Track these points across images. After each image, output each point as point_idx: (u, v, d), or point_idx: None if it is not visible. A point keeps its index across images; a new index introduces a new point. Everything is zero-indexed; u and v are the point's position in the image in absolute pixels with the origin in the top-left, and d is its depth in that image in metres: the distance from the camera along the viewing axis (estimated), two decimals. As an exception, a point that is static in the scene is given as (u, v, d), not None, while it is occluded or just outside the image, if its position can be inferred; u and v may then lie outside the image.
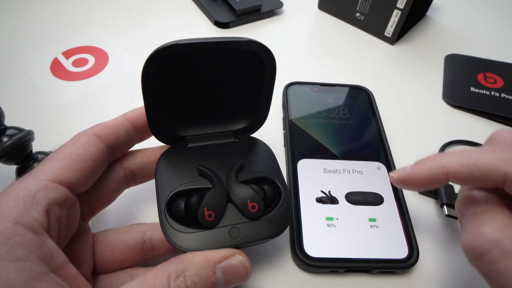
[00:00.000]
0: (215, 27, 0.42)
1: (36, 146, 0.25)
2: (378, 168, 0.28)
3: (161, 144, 0.24)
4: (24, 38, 0.39)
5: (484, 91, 0.37)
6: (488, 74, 0.39)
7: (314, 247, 0.23)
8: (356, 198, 0.26)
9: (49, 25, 0.40)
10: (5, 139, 0.23)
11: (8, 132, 0.23)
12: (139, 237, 0.21)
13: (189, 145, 0.23)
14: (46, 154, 0.25)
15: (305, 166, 0.28)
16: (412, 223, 0.25)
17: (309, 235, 0.24)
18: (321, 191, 0.26)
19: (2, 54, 0.37)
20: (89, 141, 0.20)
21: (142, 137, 0.23)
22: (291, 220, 0.21)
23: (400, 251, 0.23)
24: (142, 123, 0.22)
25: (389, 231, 0.24)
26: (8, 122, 0.24)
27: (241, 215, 0.20)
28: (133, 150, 0.24)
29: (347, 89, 0.35)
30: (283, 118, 0.32)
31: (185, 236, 0.19)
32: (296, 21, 0.45)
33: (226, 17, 0.42)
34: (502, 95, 0.37)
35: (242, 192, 0.20)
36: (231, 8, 0.42)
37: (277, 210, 0.21)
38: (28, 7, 0.42)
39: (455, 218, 0.26)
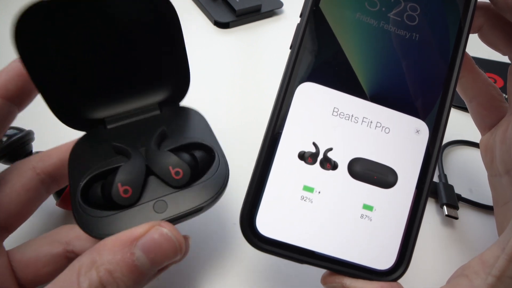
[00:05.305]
0: (215, 27, 0.42)
1: (36, 146, 0.25)
2: (417, 131, 0.18)
3: (80, 134, 0.21)
4: (24, 38, 0.39)
5: (484, 91, 0.37)
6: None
7: (270, 223, 0.17)
8: (363, 171, 0.18)
9: (49, 25, 0.40)
10: (4, 139, 0.23)
11: (8, 132, 0.23)
12: (60, 245, 0.19)
13: (108, 127, 0.20)
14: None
15: (307, 95, 0.18)
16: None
17: (268, 205, 0.17)
18: (313, 144, 0.18)
19: (2, 54, 0.37)
20: None
21: (21, 104, 0.19)
22: (227, 181, 0.18)
23: (384, 259, 0.18)
24: (13, 89, 0.18)
25: (383, 228, 0.18)
26: (8, 122, 0.24)
27: (166, 186, 0.17)
28: (45, 151, 0.21)
29: None
30: None
31: (101, 221, 0.16)
32: (296, 21, 0.45)
33: (226, 17, 0.42)
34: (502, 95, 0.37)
35: (163, 159, 0.18)
36: (231, 8, 0.42)
37: (210, 173, 0.18)
38: (28, 7, 0.42)
39: (455, 218, 0.26)
